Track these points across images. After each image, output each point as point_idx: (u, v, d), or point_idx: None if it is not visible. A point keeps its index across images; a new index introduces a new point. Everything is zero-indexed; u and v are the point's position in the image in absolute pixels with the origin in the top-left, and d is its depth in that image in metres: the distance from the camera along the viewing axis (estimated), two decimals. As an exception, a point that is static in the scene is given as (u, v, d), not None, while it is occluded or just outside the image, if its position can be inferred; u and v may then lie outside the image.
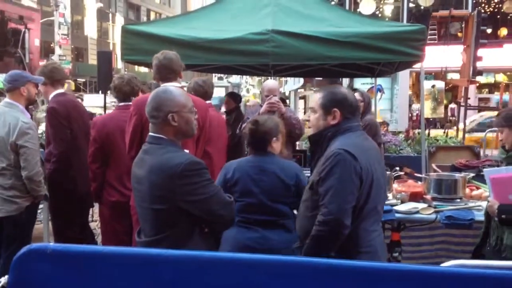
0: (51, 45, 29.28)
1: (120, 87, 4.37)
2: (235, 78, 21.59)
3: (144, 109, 3.46)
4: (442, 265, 2.17)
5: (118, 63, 8.38)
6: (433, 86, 23.28)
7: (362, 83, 18.94)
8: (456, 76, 19.74)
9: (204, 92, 5.00)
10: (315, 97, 2.79)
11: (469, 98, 11.19)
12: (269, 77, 7.56)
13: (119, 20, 42.48)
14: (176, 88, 2.85)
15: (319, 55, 5.62)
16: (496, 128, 3.42)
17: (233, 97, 7.56)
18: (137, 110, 3.74)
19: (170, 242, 2.47)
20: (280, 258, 1.92)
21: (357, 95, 7.16)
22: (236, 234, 3.14)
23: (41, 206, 6.31)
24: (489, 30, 21.98)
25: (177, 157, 2.52)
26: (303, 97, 28.82)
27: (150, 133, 2.64)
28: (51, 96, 4.50)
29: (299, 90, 27.79)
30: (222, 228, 2.82)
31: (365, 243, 2.61)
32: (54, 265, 1.94)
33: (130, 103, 4.18)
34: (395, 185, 4.29)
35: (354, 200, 2.52)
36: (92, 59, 35.96)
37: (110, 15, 43.01)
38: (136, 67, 11.62)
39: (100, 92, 8.30)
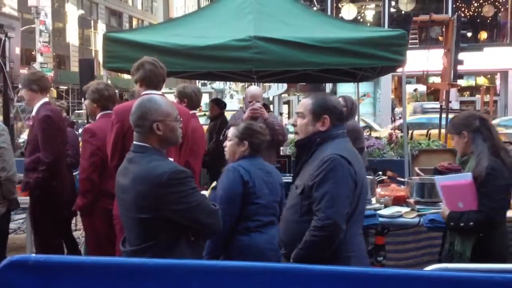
0: (33, 52, 29.04)
1: (98, 102, 4.33)
2: (218, 84, 21.58)
3: (126, 117, 3.45)
4: (425, 269, 2.19)
5: (101, 70, 8.34)
6: (415, 90, 23.55)
7: (348, 92, 19.08)
8: (437, 79, 19.99)
9: (197, 100, 5.11)
10: (305, 103, 2.78)
11: (450, 102, 11.30)
12: (253, 83, 7.57)
13: (101, 27, 42.30)
14: (161, 97, 2.84)
15: (302, 61, 5.65)
16: None
17: (218, 103, 7.56)
18: (119, 118, 3.71)
19: (155, 251, 2.46)
20: (274, 265, 1.92)
21: (340, 100, 7.21)
22: (257, 242, 3.18)
23: (23, 215, 6.27)
24: (469, 34, 22.32)
25: (161, 166, 2.51)
26: (287, 102, 28.92)
27: (135, 142, 2.63)
28: (39, 104, 4.44)
29: (282, 95, 27.89)
30: (208, 236, 2.82)
31: (354, 246, 2.66)
32: (37, 277, 1.90)
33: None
34: (378, 189, 4.32)
35: (349, 205, 2.57)
36: (74, 67, 35.73)
37: (92, 22, 42.79)
38: (120, 74, 11.60)
39: (82, 99, 8.24)
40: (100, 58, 6.96)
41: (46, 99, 4.53)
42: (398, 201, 4.11)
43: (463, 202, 3.11)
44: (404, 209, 3.93)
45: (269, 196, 3.27)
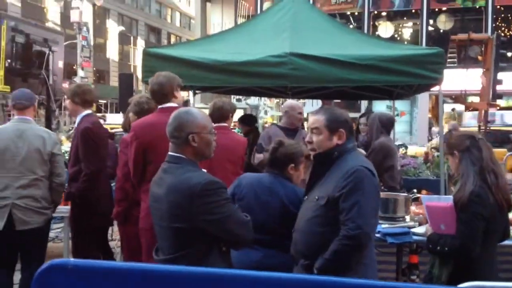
0: (74, 67, 29.85)
1: (139, 114, 4.47)
2: (253, 100, 21.71)
3: (144, 132, 3.56)
4: (459, 286, 2.17)
5: (139, 85, 8.54)
6: (453, 109, 23.14)
7: (388, 106, 18.90)
8: (476, 99, 19.63)
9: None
10: (319, 119, 2.83)
11: (489, 122, 11.10)
12: (287, 99, 7.61)
13: (140, 43, 43.20)
14: (198, 110, 2.90)
15: (337, 77, 5.66)
16: None
17: (244, 122, 7.62)
18: (137, 134, 3.88)
19: (188, 260, 2.48)
20: (299, 276, 1.93)
21: (362, 120, 7.12)
22: (239, 255, 3.08)
23: (61, 224, 6.42)
24: (509, 54, 21.89)
25: (195, 176, 2.55)
26: (322, 120, 28.86)
27: (170, 153, 2.69)
28: (81, 116, 4.59)
29: (317, 113, 27.81)
30: (239, 247, 2.84)
31: (368, 255, 2.74)
32: (75, 280, 1.96)
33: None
34: (413, 207, 4.27)
35: (378, 214, 2.73)
36: (114, 81, 36.52)
37: (132, 38, 43.76)
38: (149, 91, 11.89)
39: (121, 113, 8.44)
40: (139, 73, 7.14)
41: (88, 112, 4.65)
42: (433, 219, 4.05)
43: (445, 225, 3.06)
44: (439, 228, 3.87)
45: (260, 216, 3.14)
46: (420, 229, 3.87)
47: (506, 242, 3.29)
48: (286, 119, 5.64)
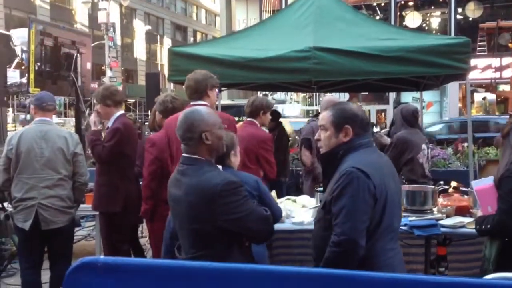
0: (102, 67, 30.30)
1: (165, 114, 4.53)
2: (279, 95, 21.71)
3: (173, 131, 3.62)
4: (485, 277, 2.15)
5: (166, 84, 8.63)
6: (484, 98, 22.71)
7: (413, 98, 18.65)
8: (507, 87, 19.20)
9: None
10: (325, 115, 2.71)
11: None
12: (313, 93, 7.60)
13: (167, 41, 43.56)
14: (203, 107, 2.98)
15: (362, 70, 5.63)
16: None
17: (273, 115, 7.62)
18: (168, 133, 4.01)
19: (209, 259, 2.44)
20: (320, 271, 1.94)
21: (395, 111, 7.04)
22: None
23: (93, 222, 6.57)
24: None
25: (214, 177, 2.58)
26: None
27: (184, 154, 2.71)
28: (114, 117, 4.65)
29: (345, 106, 27.58)
30: (261, 241, 2.88)
31: (381, 262, 2.53)
32: (105, 278, 2.00)
33: None
34: (440, 199, 4.24)
35: (368, 220, 2.45)
36: (141, 80, 36.93)
37: (158, 37, 44.14)
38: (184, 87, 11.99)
39: (149, 112, 8.56)
40: (166, 71, 7.21)
41: (120, 112, 4.72)
42: (461, 211, 4.02)
43: (491, 205, 3.12)
44: (467, 220, 3.84)
45: None
46: (448, 221, 3.85)
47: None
48: None
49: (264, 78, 6.07)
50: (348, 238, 2.43)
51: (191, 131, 2.66)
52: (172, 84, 6.56)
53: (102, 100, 4.63)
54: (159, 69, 38.75)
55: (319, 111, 5.17)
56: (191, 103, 4.06)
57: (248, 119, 5.11)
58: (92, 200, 4.76)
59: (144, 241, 6.32)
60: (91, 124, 4.72)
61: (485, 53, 18.62)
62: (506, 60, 19.34)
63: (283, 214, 3.96)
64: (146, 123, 9.08)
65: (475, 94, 21.91)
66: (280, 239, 4.47)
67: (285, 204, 4.23)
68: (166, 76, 7.61)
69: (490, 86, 14.86)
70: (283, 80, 6.45)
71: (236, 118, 5.76)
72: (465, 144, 9.49)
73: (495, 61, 19.53)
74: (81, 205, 4.91)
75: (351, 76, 6.09)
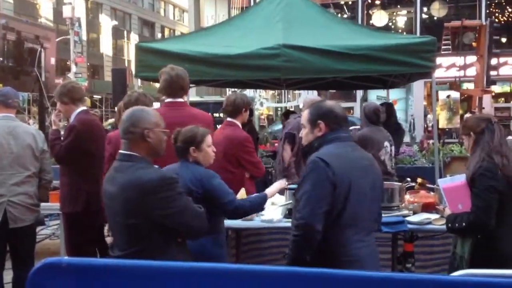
0: (67, 63, 29.73)
1: (127, 106, 4.43)
2: (248, 92, 21.70)
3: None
4: (452, 274, 2.18)
5: (133, 80, 8.51)
6: (448, 96, 23.13)
7: (378, 96, 18.88)
8: (471, 86, 19.62)
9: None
10: (304, 113, 2.91)
11: (483, 108, 11.11)
12: (282, 91, 7.60)
13: (134, 37, 43.01)
14: (150, 109, 3.01)
15: (330, 68, 5.67)
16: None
17: None
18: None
19: (145, 255, 2.52)
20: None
21: (382, 109, 7.15)
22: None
23: (57, 221, 6.43)
24: (503, 40, 21.89)
25: (148, 173, 2.63)
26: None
27: (121, 151, 2.73)
28: (74, 114, 4.50)
29: (313, 103, 27.72)
30: (194, 237, 2.92)
31: (347, 251, 2.61)
32: (69, 279, 1.96)
33: None
34: (407, 196, 4.29)
35: (326, 205, 2.56)
36: (108, 76, 36.38)
37: (125, 32, 43.55)
38: (152, 83, 11.82)
39: (115, 108, 8.44)
40: (133, 67, 7.11)
41: (81, 109, 4.52)
42: (428, 208, 4.07)
43: (462, 204, 3.14)
44: (433, 216, 3.89)
45: None
46: (415, 218, 3.89)
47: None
48: None
49: (233, 75, 6.05)
50: (305, 222, 2.56)
51: (135, 126, 2.70)
52: (139, 80, 6.45)
53: (59, 97, 4.48)
54: (126, 65, 38.22)
55: (289, 108, 5.19)
56: (168, 100, 3.98)
57: (228, 119, 4.88)
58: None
59: (110, 240, 6.21)
60: (52, 123, 4.61)
61: (450, 51, 18.96)
62: (470, 59, 19.76)
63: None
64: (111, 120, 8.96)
65: (440, 92, 22.32)
66: (249, 235, 4.46)
67: (254, 201, 4.20)
68: (133, 72, 7.49)
69: (454, 84, 15.13)
70: (252, 77, 6.44)
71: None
72: (431, 141, 9.66)
73: (459, 60, 19.95)
74: (46, 204, 4.81)
75: (320, 74, 6.12)
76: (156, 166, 2.82)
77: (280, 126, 9.67)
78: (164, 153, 2.85)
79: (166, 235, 2.66)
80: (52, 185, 4.76)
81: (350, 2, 24.24)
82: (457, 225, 3.10)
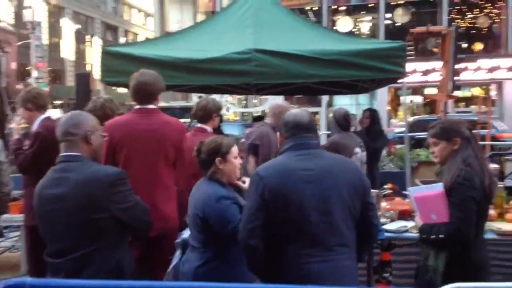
0: (28, 68, 28.98)
1: (93, 113, 4.28)
2: (215, 97, 21.57)
3: (115, 132, 3.57)
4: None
5: (97, 85, 8.28)
6: (411, 101, 23.54)
7: (345, 103, 19.01)
8: (432, 90, 19.98)
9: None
10: None
11: (448, 113, 11.26)
12: (251, 96, 7.51)
13: (97, 41, 42.28)
14: (87, 113, 3.00)
15: (302, 73, 5.60)
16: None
17: None
18: (108, 133, 3.68)
19: (102, 252, 2.61)
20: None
21: (365, 114, 7.16)
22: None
23: (17, 233, 6.16)
24: (464, 45, 22.41)
25: (104, 169, 2.75)
26: (284, 115, 28.89)
27: (65, 153, 2.72)
28: (38, 120, 4.34)
29: (279, 108, 27.80)
30: (142, 234, 2.95)
31: (294, 265, 2.51)
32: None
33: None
34: (384, 204, 4.23)
35: (256, 220, 2.51)
36: (70, 81, 35.65)
37: (88, 36, 42.79)
38: (115, 88, 11.58)
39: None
40: (96, 72, 6.88)
41: (44, 116, 4.40)
42: (403, 215, 4.02)
43: (436, 214, 2.97)
44: (410, 224, 3.84)
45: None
46: (392, 226, 3.83)
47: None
48: (276, 120, 5.42)
49: (203, 80, 5.90)
50: (240, 237, 2.58)
51: (77, 127, 2.74)
52: (102, 85, 6.25)
53: (23, 103, 4.33)
54: (89, 69, 37.53)
55: (258, 113, 5.13)
56: (137, 107, 3.84)
57: (198, 125, 4.83)
58: None
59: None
60: (13, 132, 4.38)
61: (413, 57, 19.29)
62: (432, 64, 20.14)
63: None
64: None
65: (401, 97, 22.67)
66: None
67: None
68: (97, 76, 7.24)
69: (419, 89, 15.38)
70: (223, 82, 6.31)
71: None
72: (398, 146, 9.72)
73: (421, 65, 20.32)
74: (5, 215, 4.57)
75: (292, 79, 6.03)
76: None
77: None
78: (100, 159, 2.92)
79: (120, 232, 2.71)
80: (12, 195, 4.53)
81: (315, 8, 24.40)
82: (433, 236, 2.94)
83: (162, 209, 3.78)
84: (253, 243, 2.52)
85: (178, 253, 3.41)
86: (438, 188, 2.98)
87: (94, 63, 38.31)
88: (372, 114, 7.15)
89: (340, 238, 2.57)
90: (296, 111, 2.82)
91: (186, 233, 3.75)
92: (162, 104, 17.12)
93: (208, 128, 4.80)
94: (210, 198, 2.96)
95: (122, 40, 45.84)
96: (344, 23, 24.25)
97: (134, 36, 49.39)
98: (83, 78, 8.71)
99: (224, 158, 3.08)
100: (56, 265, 2.67)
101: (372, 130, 6.88)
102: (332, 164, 2.65)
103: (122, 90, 6.29)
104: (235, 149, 3.14)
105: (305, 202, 2.51)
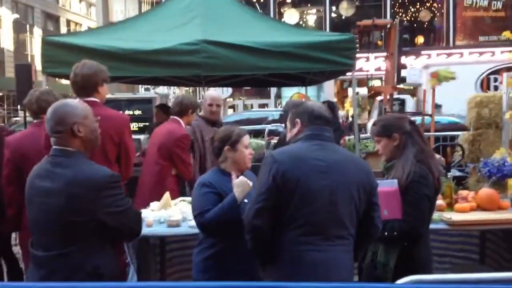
0: (-37, 58, 27.67)
1: (28, 106, 4.10)
2: (162, 89, 21.20)
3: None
4: (398, 281, 2.10)
5: (38, 76, 7.96)
6: (357, 93, 23.96)
7: (291, 95, 19.13)
8: (376, 83, 20.36)
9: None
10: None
11: (394, 105, 11.50)
12: (200, 88, 7.41)
13: (37, 31, 40.83)
14: (73, 100, 2.86)
15: (252, 65, 5.55)
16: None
17: (164, 109, 7.35)
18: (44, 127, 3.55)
19: (81, 254, 2.50)
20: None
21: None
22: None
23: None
24: (406, 37, 22.96)
25: (96, 169, 2.57)
26: (232, 107, 28.83)
27: (56, 147, 2.59)
28: None
29: (228, 100, 27.76)
30: (129, 239, 2.92)
31: (287, 252, 2.53)
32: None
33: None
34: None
35: (264, 201, 2.52)
36: (9, 72, 34.29)
37: (28, 26, 41.22)
38: (57, 79, 11.18)
39: (19, 106, 7.85)
40: (37, 63, 6.60)
41: None
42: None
43: (388, 210, 2.96)
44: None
45: None
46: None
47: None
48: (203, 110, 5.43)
49: (150, 72, 5.75)
50: (245, 215, 2.59)
51: (62, 123, 2.58)
52: (44, 76, 6.00)
53: None
54: (30, 60, 36.17)
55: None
56: (77, 100, 3.68)
57: (174, 117, 5.01)
58: None
59: (18, 249, 5.75)
60: None
61: (358, 50, 19.63)
62: (376, 56, 20.56)
63: (179, 217, 3.74)
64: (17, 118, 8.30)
65: (349, 89, 23.06)
66: (173, 242, 4.22)
67: (180, 206, 3.98)
68: (38, 67, 6.95)
69: (364, 82, 15.64)
70: (171, 74, 6.18)
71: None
72: (347, 138, 9.82)
73: (368, 58, 20.68)
74: None
75: (242, 71, 5.98)
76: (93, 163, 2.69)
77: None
78: (99, 143, 2.75)
79: (105, 235, 2.56)
80: None
81: (261, 0, 24.41)
82: (386, 233, 2.93)
83: None
84: (257, 222, 2.54)
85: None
86: (391, 185, 2.96)
87: (35, 54, 36.99)
88: (330, 107, 7.14)
89: (341, 231, 2.59)
90: (318, 104, 2.93)
91: None
92: (106, 96, 16.63)
93: (182, 121, 4.95)
94: (196, 184, 3.13)
95: (63, 30, 44.46)
96: (290, 15, 24.37)
97: (77, 26, 48.00)
98: (24, 69, 8.36)
99: (233, 147, 3.14)
100: (38, 258, 2.59)
101: None
102: (344, 160, 2.68)
103: (65, 81, 6.05)
104: (246, 139, 3.19)
105: (312, 190, 2.54)
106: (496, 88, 14.46)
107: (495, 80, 15.68)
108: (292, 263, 2.52)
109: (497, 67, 15.96)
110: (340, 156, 2.69)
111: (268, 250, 2.60)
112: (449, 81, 8.14)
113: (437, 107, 11.37)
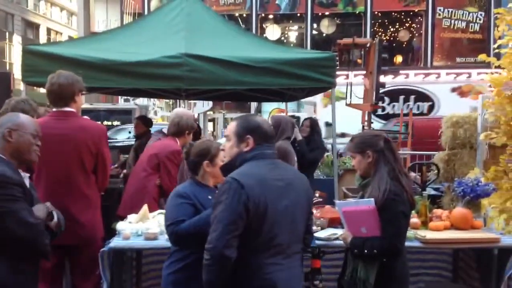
0: None
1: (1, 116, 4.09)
2: (142, 100, 21.10)
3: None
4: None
5: (17, 84, 7.89)
6: (336, 110, 24.15)
7: (271, 110, 19.19)
8: (356, 101, 20.61)
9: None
10: (231, 125, 2.75)
11: (372, 122, 11.63)
12: (180, 100, 7.41)
13: (17, 39, 40.36)
14: (26, 116, 2.90)
15: (234, 80, 5.58)
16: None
17: (144, 121, 7.34)
18: None
19: None
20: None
21: (306, 122, 7.22)
22: None
23: None
24: (385, 56, 23.28)
25: None
26: (212, 120, 28.79)
27: None
28: None
29: (208, 113, 27.71)
30: (24, 253, 2.64)
31: (259, 276, 2.51)
32: None
33: None
34: (314, 211, 4.26)
35: (236, 230, 2.44)
36: (-13, 80, 33.75)
37: (7, 34, 40.74)
38: (36, 88, 11.08)
39: (-4, 115, 7.73)
40: (16, 71, 6.53)
41: None
42: (333, 223, 4.07)
43: (366, 228, 3.04)
44: (339, 231, 3.88)
45: None
46: (322, 233, 3.87)
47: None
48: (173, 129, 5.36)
49: (132, 84, 5.74)
50: (213, 246, 2.44)
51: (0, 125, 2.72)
52: (24, 85, 5.95)
53: None
54: (8, 68, 35.72)
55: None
56: (54, 110, 3.69)
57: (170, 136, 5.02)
58: None
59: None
60: None
61: (338, 67, 19.84)
62: (356, 75, 20.78)
63: (157, 230, 3.73)
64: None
65: (328, 107, 23.20)
66: (150, 255, 4.20)
67: (158, 219, 3.97)
68: (17, 76, 6.89)
69: (342, 99, 15.79)
70: (153, 86, 6.17)
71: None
72: (326, 154, 9.89)
73: (348, 76, 20.87)
74: None
75: (223, 85, 5.99)
76: (25, 174, 2.73)
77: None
78: (36, 160, 2.78)
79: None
80: None
81: (244, 15, 24.54)
82: (366, 251, 3.00)
83: (78, 217, 3.73)
84: (229, 253, 2.43)
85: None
86: (368, 203, 3.01)
87: (14, 62, 36.52)
88: (312, 124, 7.20)
89: (298, 246, 2.68)
90: (262, 119, 2.81)
91: (113, 241, 3.64)
92: (85, 105, 16.54)
93: (180, 141, 4.91)
94: (172, 194, 3.09)
95: (44, 38, 44.02)
96: (272, 31, 24.53)
97: (57, 35, 47.60)
98: (3, 78, 8.28)
99: (212, 162, 3.12)
100: None
101: (312, 139, 6.94)
102: (293, 175, 2.73)
103: (44, 90, 6.04)
104: (222, 153, 3.10)
105: (278, 211, 2.53)
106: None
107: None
108: (262, 286, 2.52)
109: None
110: (290, 173, 2.73)
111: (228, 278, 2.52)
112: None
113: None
